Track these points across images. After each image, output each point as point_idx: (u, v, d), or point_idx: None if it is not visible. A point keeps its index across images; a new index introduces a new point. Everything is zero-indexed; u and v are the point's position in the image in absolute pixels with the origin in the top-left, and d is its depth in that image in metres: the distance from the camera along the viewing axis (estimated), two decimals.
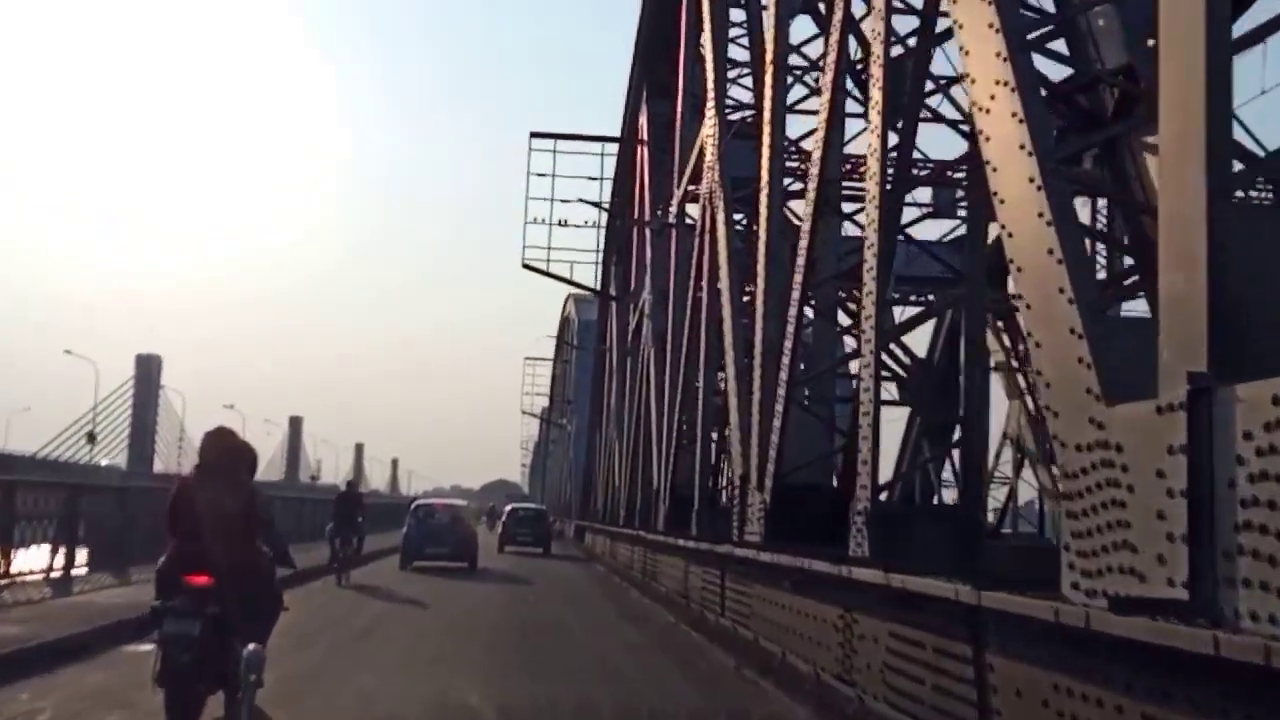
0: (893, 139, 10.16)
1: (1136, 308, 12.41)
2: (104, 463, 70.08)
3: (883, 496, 10.69)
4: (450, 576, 23.18)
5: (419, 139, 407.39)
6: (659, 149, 28.14)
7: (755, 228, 19.53)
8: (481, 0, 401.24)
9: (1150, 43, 7.28)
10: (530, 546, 35.19)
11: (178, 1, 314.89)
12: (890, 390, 16.30)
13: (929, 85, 11.82)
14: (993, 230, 23.52)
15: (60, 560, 15.05)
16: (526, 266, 30.05)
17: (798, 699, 8.79)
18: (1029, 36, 8.18)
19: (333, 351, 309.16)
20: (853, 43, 11.92)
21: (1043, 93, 7.73)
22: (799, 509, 12.31)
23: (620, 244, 33.07)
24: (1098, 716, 4.59)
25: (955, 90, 12.55)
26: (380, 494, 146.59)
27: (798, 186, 15.53)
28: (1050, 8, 10.43)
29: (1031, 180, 6.10)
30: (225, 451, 7.07)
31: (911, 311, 18.20)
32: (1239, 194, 7.28)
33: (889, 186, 9.83)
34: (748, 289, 15.86)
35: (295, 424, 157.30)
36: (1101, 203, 19.49)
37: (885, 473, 12.32)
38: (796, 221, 15.35)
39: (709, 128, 17.71)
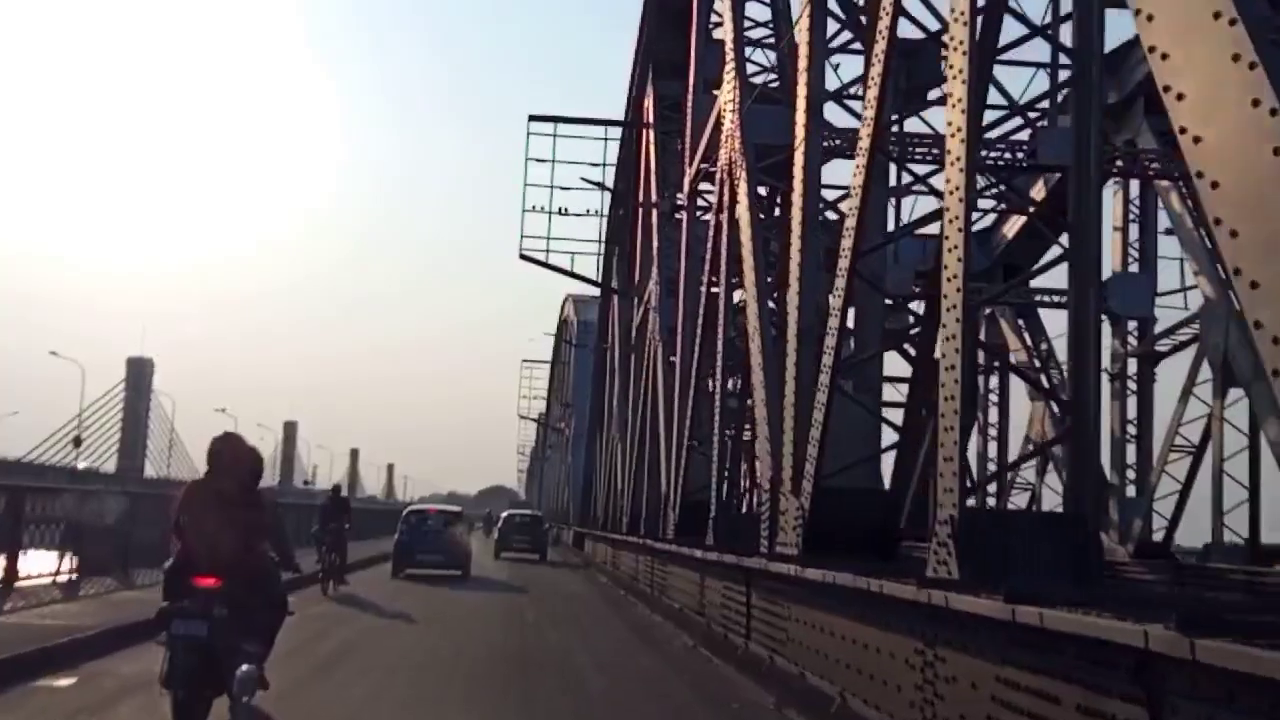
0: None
1: None
2: (81, 465, 68.19)
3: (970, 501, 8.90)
4: (442, 585, 22.12)
5: (415, 139, 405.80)
6: (665, 132, 26.37)
7: (780, 199, 17.87)
8: None
9: None
10: (527, 553, 34.56)
11: (172, 1, 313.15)
12: (898, 391, 14.84)
13: None
14: (1009, 227, 22.19)
15: (67, 564, 15.20)
16: (524, 257, 28.24)
17: None
18: None
19: (327, 356, 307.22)
20: None
21: None
22: (843, 517, 10.55)
23: (623, 235, 31.24)
24: None
25: None
26: (376, 500, 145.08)
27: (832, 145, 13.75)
28: None
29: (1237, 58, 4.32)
30: (232, 456, 7.15)
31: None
32: None
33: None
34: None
35: (290, 429, 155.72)
36: None
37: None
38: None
39: (728, 92, 15.93)
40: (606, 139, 28.67)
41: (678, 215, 25.02)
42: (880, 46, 9.19)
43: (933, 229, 12.04)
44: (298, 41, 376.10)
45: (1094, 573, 7.25)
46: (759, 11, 17.81)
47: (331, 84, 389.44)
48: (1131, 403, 22.06)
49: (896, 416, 12.28)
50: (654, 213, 24.92)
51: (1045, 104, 14.49)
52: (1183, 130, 4.53)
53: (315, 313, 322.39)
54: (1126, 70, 18.93)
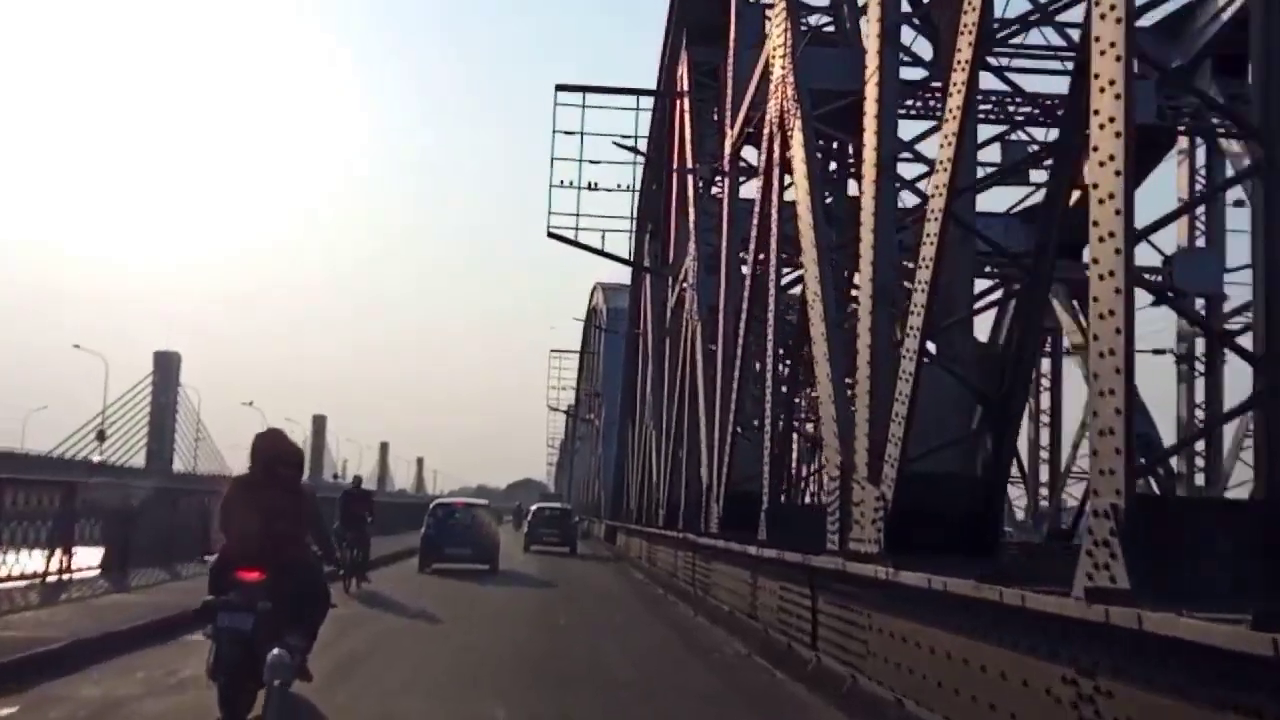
0: None
1: None
2: (96, 458, 67.29)
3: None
4: (470, 581, 21.00)
5: (441, 131, 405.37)
6: (701, 99, 24.72)
7: (838, 152, 16.21)
8: None
9: None
10: (556, 546, 34.36)
11: None
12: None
13: None
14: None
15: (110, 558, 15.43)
16: (552, 235, 26.66)
17: None
18: None
19: (356, 349, 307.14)
20: None
21: None
22: (934, 507, 8.94)
23: (657, 211, 29.58)
24: None
25: None
26: (406, 493, 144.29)
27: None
28: None
29: None
30: (276, 452, 7.34)
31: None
32: None
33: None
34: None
35: (319, 422, 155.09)
36: None
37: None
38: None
39: (777, 36, 14.28)
40: (638, 109, 27.04)
41: (716, 188, 23.46)
42: None
43: None
44: (324, 34, 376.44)
45: None
46: None
47: (357, 76, 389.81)
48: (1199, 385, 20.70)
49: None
50: (691, 183, 23.28)
51: None
52: None
53: (343, 306, 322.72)
54: (1193, 32, 17.33)
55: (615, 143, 25.13)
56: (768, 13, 16.38)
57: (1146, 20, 11.34)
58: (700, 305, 21.59)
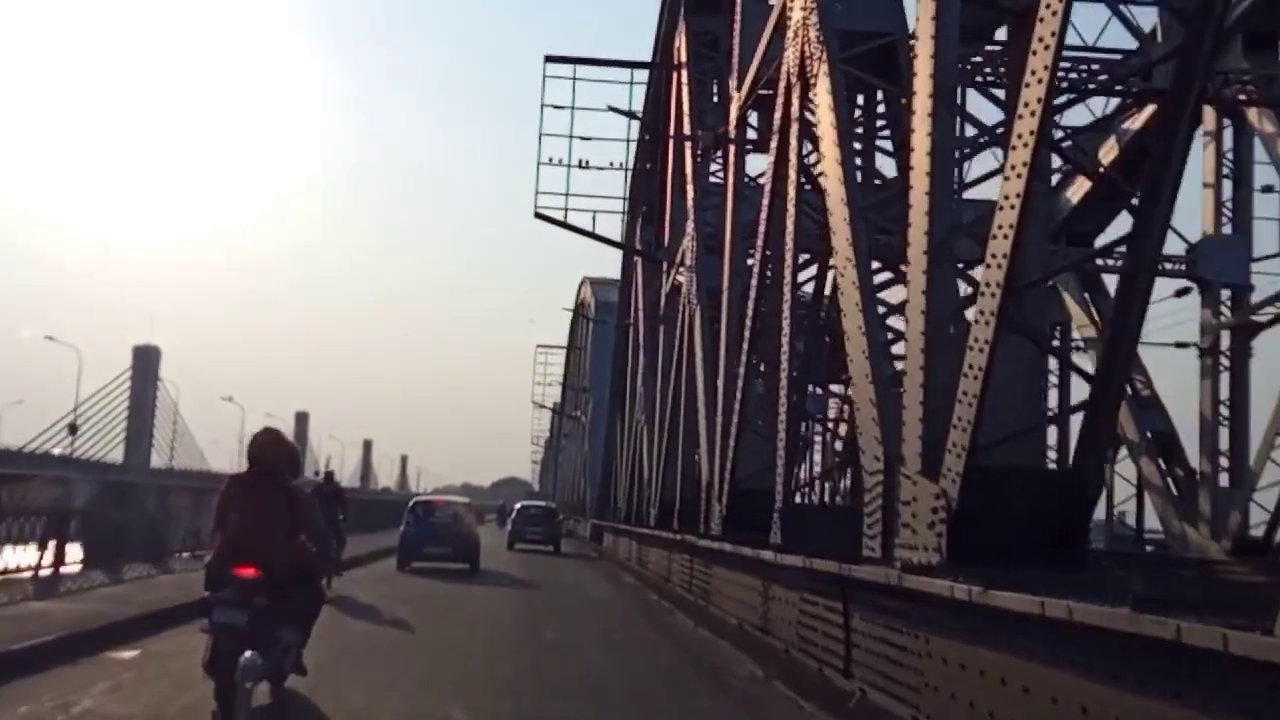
0: None
1: None
2: (56, 451, 65.24)
3: None
4: (450, 581, 20.18)
5: (427, 125, 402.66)
6: (702, 71, 23.05)
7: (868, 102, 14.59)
8: None
9: None
10: (540, 545, 34.52)
11: None
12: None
13: None
14: (1074, 191, 19.26)
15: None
16: (539, 216, 24.93)
17: None
18: None
19: (339, 345, 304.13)
20: None
21: None
22: (1006, 508, 7.31)
23: (651, 195, 27.86)
24: None
25: None
26: (390, 491, 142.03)
27: None
28: None
29: None
30: (273, 451, 7.54)
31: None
32: None
33: None
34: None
35: (301, 420, 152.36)
36: None
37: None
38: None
39: None
40: (632, 83, 25.32)
41: (716, 165, 21.79)
42: None
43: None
44: (311, 36, 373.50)
45: None
46: None
47: (346, 75, 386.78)
48: (1224, 380, 19.14)
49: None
50: (689, 158, 21.58)
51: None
52: None
53: (326, 303, 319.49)
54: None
55: (610, 107, 23.42)
56: None
57: None
58: (699, 289, 19.92)
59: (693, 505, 21.47)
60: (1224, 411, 18.79)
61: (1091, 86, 13.43)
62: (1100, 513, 20.44)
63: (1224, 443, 18.48)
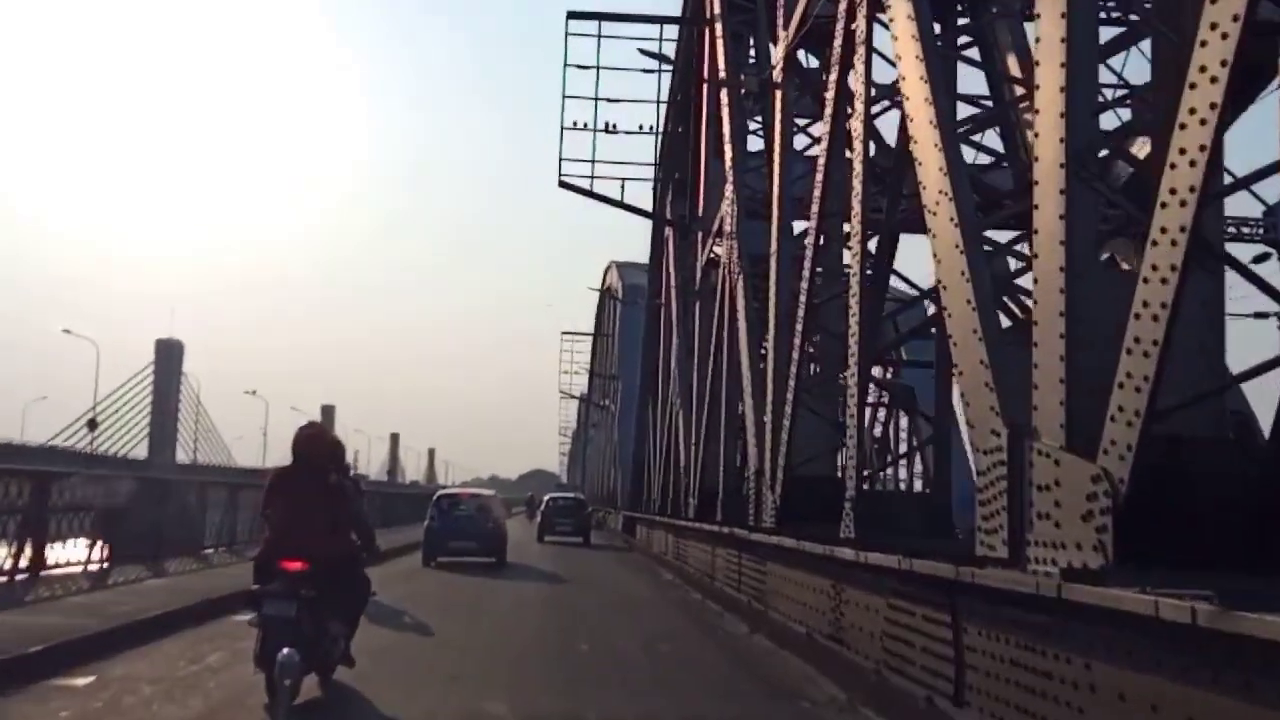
0: None
1: None
2: (60, 442, 64.27)
3: None
4: (476, 579, 19.33)
5: (441, 111, 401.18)
6: (740, 24, 21.18)
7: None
8: None
9: None
10: (569, 536, 34.80)
11: None
12: None
13: None
14: (1139, 149, 17.42)
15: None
16: (564, 185, 23.18)
17: None
18: None
19: (364, 338, 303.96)
20: None
21: None
22: (1192, 493, 5.49)
23: (684, 160, 25.96)
24: None
25: None
26: (418, 484, 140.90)
27: None
28: None
29: None
30: (317, 446, 7.66)
31: None
32: None
33: None
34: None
35: (328, 413, 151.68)
36: None
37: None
38: None
39: None
40: (661, 39, 23.46)
41: (754, 126, 19.96)
42: None
43: None
44: (321, 23, 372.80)
45: None
46: None
47: (355, 62, 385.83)
48: None
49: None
50: (727, 116, 19.72)
51: None
52: None
53: (350, 295, 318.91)
54: None
55: (640, 50, 21.57)
56: None
57: None
58: (741, 256, 18.09)
59: (736, 494, 19.74)
60: None
61: None
62: None
63: None
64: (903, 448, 17.27)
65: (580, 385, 77.10)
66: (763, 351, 16.64)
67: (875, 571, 8.78)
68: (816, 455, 13.12)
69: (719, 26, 21.45)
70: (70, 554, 14.29)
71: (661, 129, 24.61)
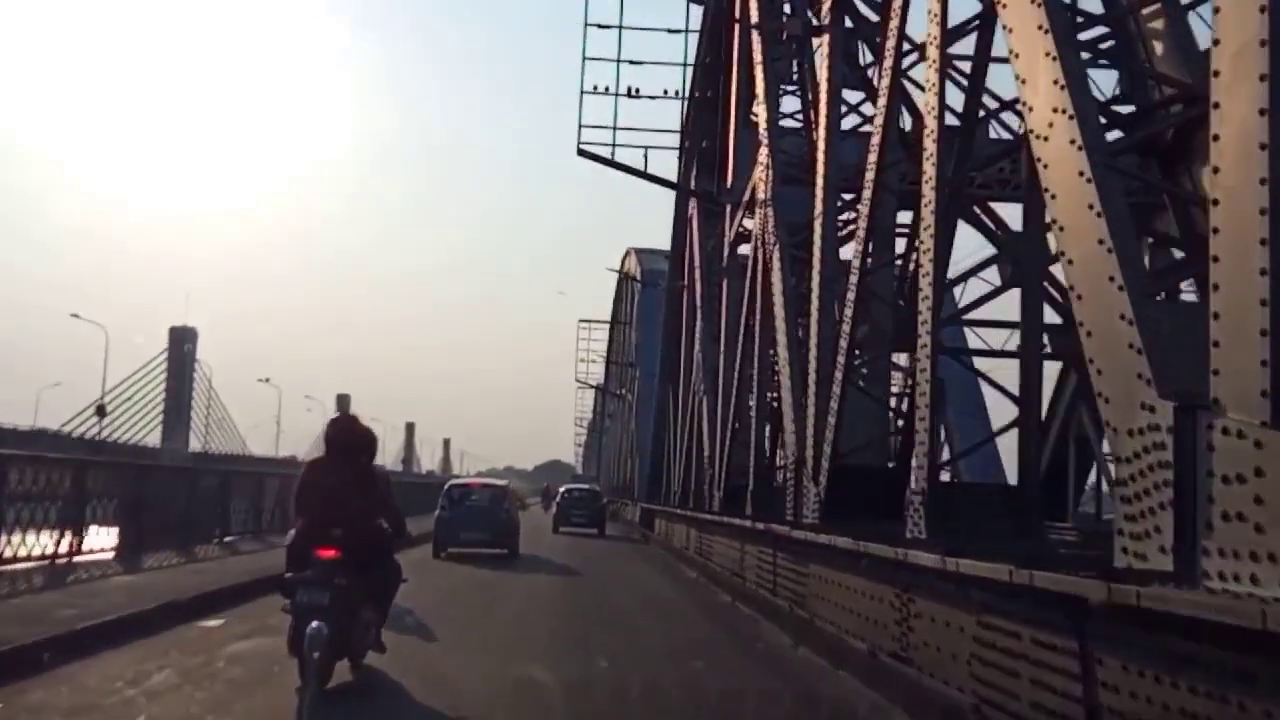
0: None
1: None
2: (59, 428, 63.05)
3: None
4: (488, 571, 18.37)
5: (461, 100, 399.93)
6: None
7: None
8: None
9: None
10: (585, 527, 35.19)
11: None
12: None
13: None
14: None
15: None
16: (582, 153, 21.58)
17: None
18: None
19: (381, 326, 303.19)
20: None
21: None
22: None
23: (712, 129, 24.21)
24: None
25: None
26: (434, 474, 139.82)
27: None
28: None
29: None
30: (349, 436, 7.88)
31: None
32: None
33: None
34: None
35: (342, 401, 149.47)
36: None
37: None
38: None
39: None
40: None
41: (791, 94, 18.29)
42: None
43: None
44: (339, 12, 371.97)
45: None
46: None
47: (379, 54, 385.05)
48: None
49: None
50: (761, 73, 18.03)
51: None
52: None
53: (364, 285, 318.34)
54: None
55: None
56: None
57: None
58: (778, 225, 16.44)
59: (767, 486, 18.19)
60: None
61: None
62: None
63: None
64: (972, 438, 15.56)
65: (597, 374, 75.62)
66: (799, 329, 15.03)
67: (961, 582, 7.15)
68: (872, 440, 11.49)
69: None
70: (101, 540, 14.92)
71: (688, 94, 22.91)
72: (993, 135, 13.03)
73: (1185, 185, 9.69)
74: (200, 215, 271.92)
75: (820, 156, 13.32)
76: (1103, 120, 8.38)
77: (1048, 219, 6.60)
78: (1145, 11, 9.47)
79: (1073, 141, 6.34)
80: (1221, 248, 4.87)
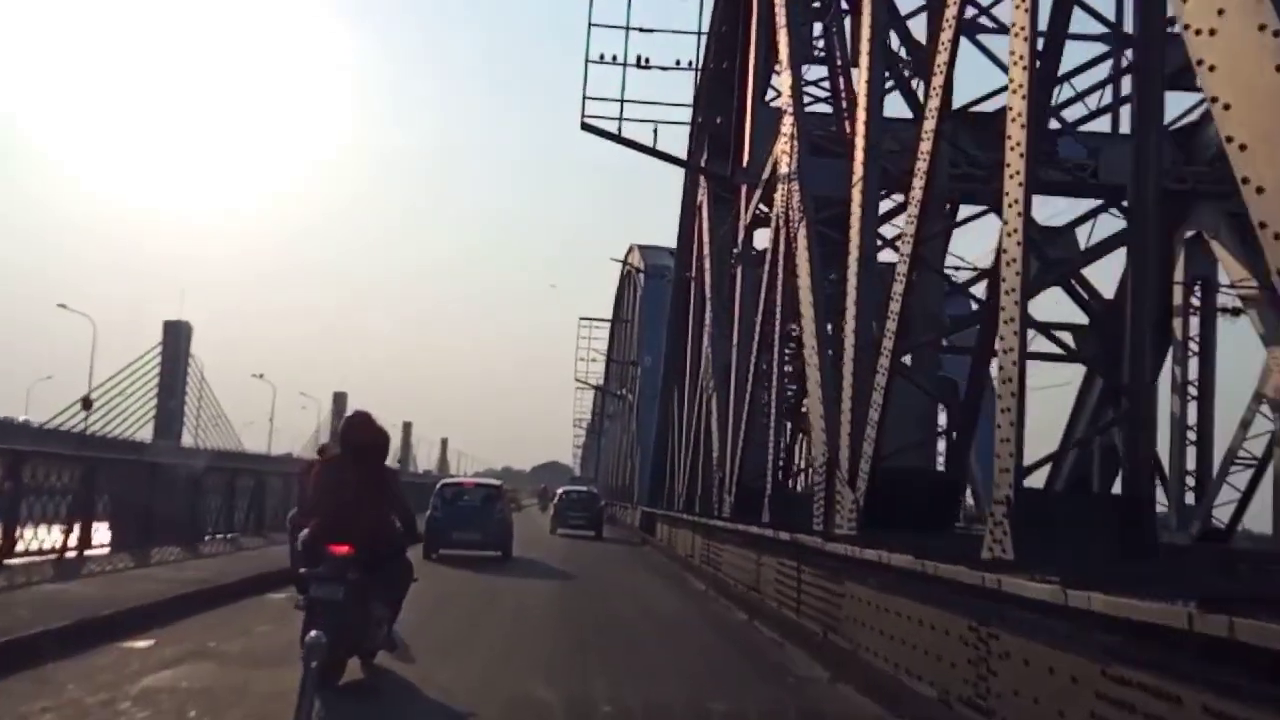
0: None
1: None
2: (31, 421, 61.35)
3: None
4: (480, 576, 17.58)
5: (462, 105, 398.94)
6: None
7: None
8: None
9: None
10: (582, 529, 35.03)
11: None
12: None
13: None
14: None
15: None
16: (586, 128, 19.88)
17: None
18: None
19: (379, 326, 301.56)
20: None
21: None
22: None
23: (727, 104, 22.48)
24: None
25: None
26: (430, 475, 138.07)
27: None
28: None
29: None
30: (363, 435, 7.93)
31: None
32: None
33: None
34: None
35: (339, 400, 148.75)
36: None
37: None
38: None
39: None
40: None
41: (816, 69, 16.62)
42: None
43: None
44: (343, 7, 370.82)
45: None
46: None
47: (380, 50, 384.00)
48: None
49: None
50: (785, 38, 16.37)
51: None
52: None
53: (363, 284, 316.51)
54: None
55: None
56: None
57: None
58: (804, 199, 14.76)
59: (783, 490, 16.58)
60: None
61: None
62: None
63: None
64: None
65: (597, 374, 73.95)
66: (830, 314, 13.38)
67: (1083, 620, 5.46)
68: (921, 441, 9.84)
69: None
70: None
71: (701, 64, 21.23)
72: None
73: None
74: (199, 213, 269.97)
75: (861, 114, 11.63)
76: None
77: (1224, 135, 4.91)
78: None
79: (1263, 27, 4.66)
80: None
